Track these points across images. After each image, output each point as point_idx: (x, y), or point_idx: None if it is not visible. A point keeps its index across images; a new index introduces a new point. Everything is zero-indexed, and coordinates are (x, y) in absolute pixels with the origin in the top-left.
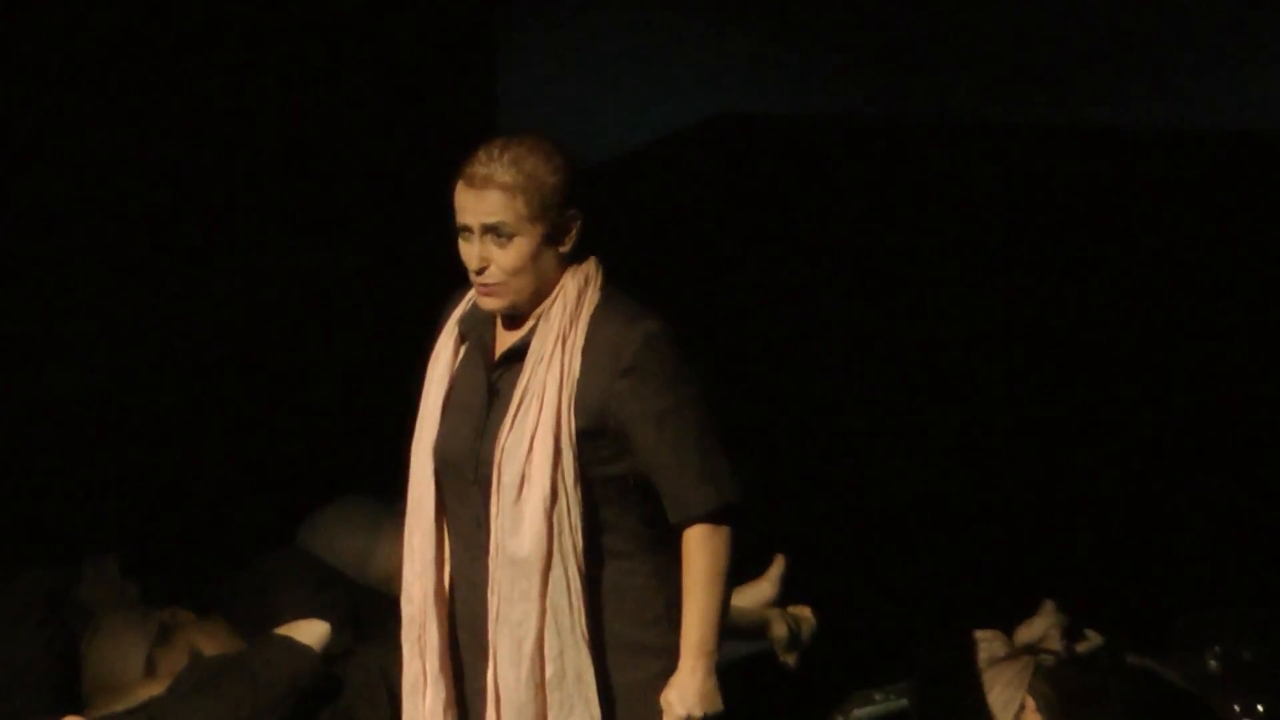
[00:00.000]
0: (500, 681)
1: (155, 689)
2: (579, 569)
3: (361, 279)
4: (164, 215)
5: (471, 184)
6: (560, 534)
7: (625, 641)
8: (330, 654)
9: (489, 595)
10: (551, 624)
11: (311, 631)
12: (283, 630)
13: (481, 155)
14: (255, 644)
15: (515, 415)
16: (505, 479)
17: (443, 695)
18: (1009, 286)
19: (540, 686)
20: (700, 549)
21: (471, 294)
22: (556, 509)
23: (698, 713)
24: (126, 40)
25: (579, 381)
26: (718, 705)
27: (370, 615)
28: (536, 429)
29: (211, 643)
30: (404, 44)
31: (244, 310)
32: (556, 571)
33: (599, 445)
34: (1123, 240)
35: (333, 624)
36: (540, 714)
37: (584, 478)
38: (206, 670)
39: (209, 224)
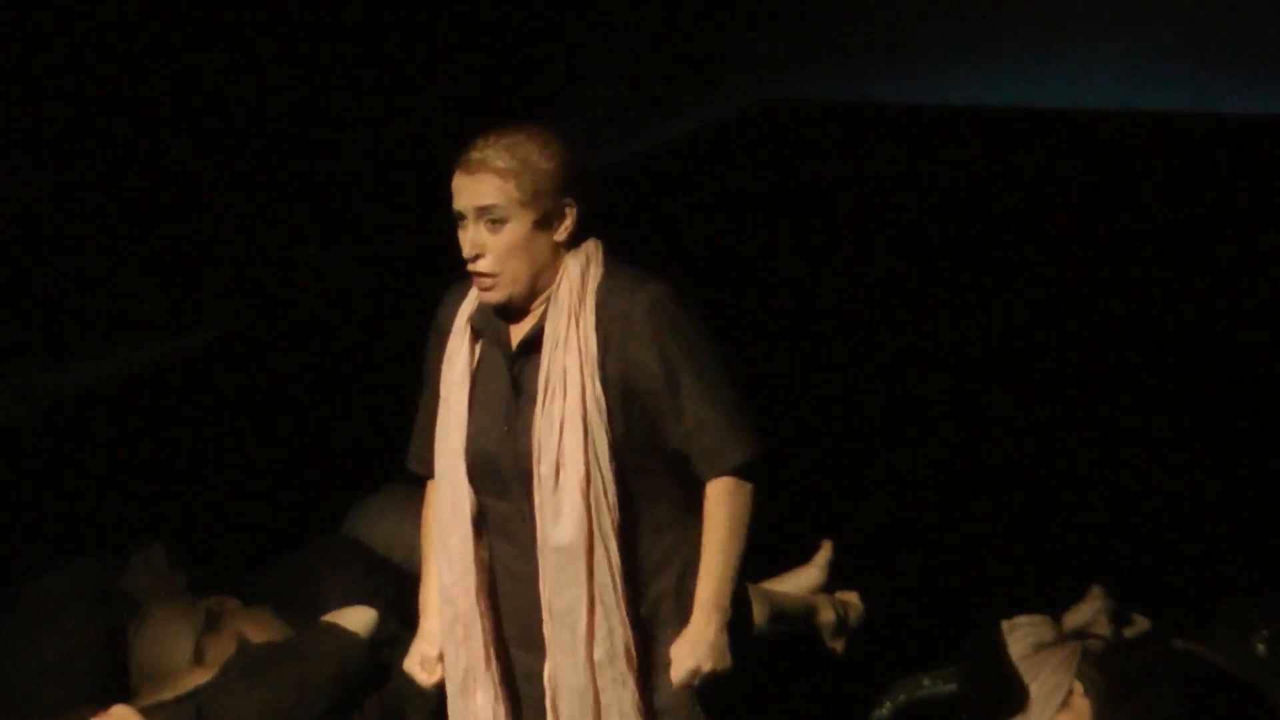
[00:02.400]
0: (557, 670)
1: (203, 677)
2: (618, 546)
3: (413, 265)
4: (211, 200)
5: (466, 168)
6: (599, 514)
7: (672, 611)
8: (377, 641)
9: (540, 587)
10: (599, 605)
11: (358, 618)
12: (330, 617)
13: (478, 141)
14: (302, 632)
15: (543, 403)
16: (543, 469)
17: (492, 692)
18: (1059, 270)
19: (592, 667)
20: (723, 503)
21: (474, 292)
22: (593, 490)
23: (707, 666)
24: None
25: (597, 357)
26: (728, 661)
27: (417, 602)
28: (564, 414)
29: (258, 630)
30: (441, 24)
31: (292, 298)
32: (599, 552)
33: (630, 415)
34: (1167, 225)
35: (379, 611)
36: (595, 696)
37: (621, 451)
38: (254, 658)
39: (261, 210)
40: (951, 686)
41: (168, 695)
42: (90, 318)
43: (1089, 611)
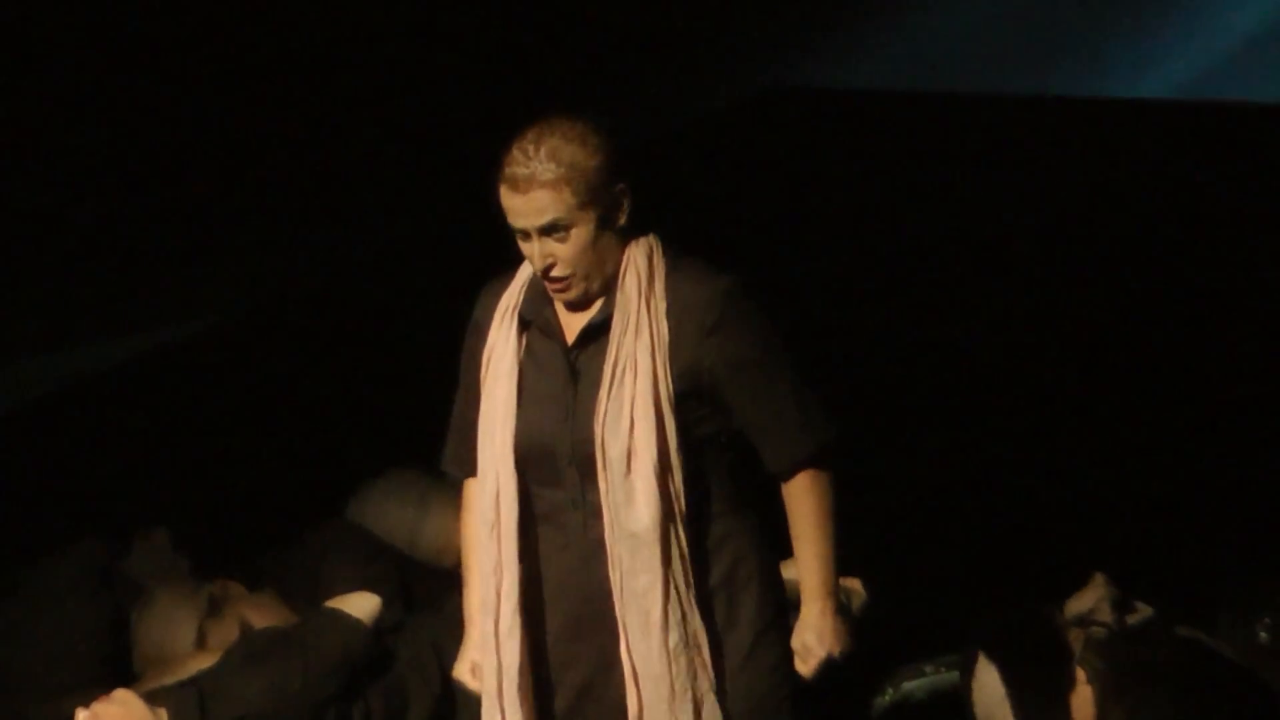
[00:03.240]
0: (635, 654)
1: (206, 662)
2: (687, 532)
3: (414, 253)
4: (215, 188)
5: (516, 188)
6: (672, 500)
7: (724, 603)
8: (381, 627)
9: (610, 571)
10: (673, 590)
11: (362, 605)
12: (333, 603)
13: (518, 155)
14: (306, 617)
15: (610, 389)
16: (611, 454)
17: (527, 690)
18: (1065, 259)
19: (668, 653)
20: (808, 493)
21: (516, 285)
22: (666, 476)
23: (838, 651)
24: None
25: (668, 343)
26: (851, 643)
27: (420, 588)
28: (634, 398)
29: (262, 616)
30: (441, 15)
31: (295, 285)
32: (670, 538)
33: (692, 406)
34: (1170, 214)
35: (383, 597)
36: (672, 682)
37: (685, 439)
38: (257, 643)
39: (263, 200)
40: (954, 674)
41: (170, 680)
42: (95, 304)
43: (1091, 599)
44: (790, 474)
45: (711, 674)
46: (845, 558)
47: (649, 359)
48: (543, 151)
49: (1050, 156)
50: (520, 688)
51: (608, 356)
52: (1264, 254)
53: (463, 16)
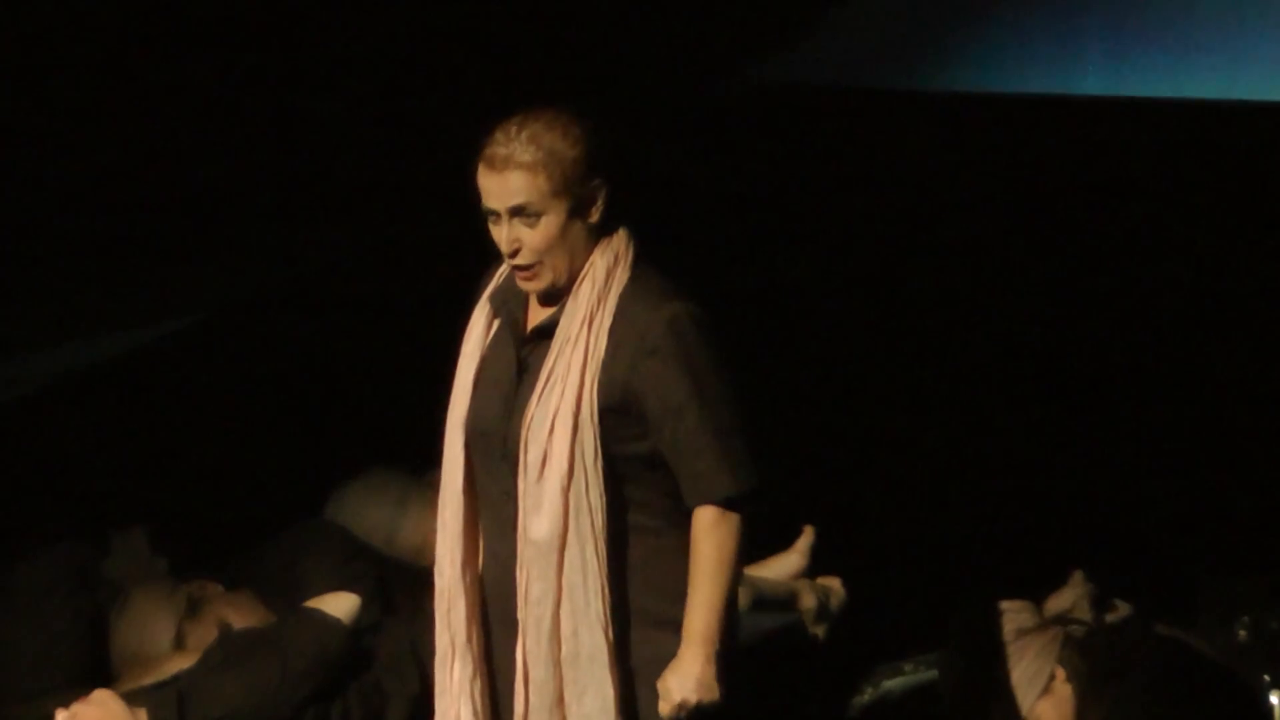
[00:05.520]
0: (529, 656)
1: (184, 662)
2: (598, 549)
3: (395, 255)
4: (197, 187)
5: (492, 167)
6: (578, 514)
7: (651, 617)
8: (359, 627)
9: (518, 571)
10: (567, 603)
11: (340, 604)
12: (311, 603)
13: (499, 136)
14: (284, 617)
15: (540, 394)
16: (529, 457)
17: (469, 668)
18: (1047, 258)
19: (557, 664)
20: (708, 535)
21: (504, 269)
22: (574, 489)
23: (693, 699)
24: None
25: (604, 361)
26: (715, 694)
27: (399, 588)
28: (558, 409)
29: (240, 616)
30: (434, 11)
31: (272, 284)
32: (573, 551)
33: (624, 423)
34: (1156, 217)
35: (361, 597)
36: (558, 691)
37: (610, 456)
38: (235, 644)
39: (247, 195)
40: (933, 672)
41: (149, 680)
42: (69, 304)
43: (1071, 597)
44: (699, 513)
45: (610, 691)
46: (825, 555)
47: (579, 374)
48: (524, 135)
49: (1029, 156)
50: (470, 653)
51: (546, 362)
52: (1224, 257)
53: (445, 14)
